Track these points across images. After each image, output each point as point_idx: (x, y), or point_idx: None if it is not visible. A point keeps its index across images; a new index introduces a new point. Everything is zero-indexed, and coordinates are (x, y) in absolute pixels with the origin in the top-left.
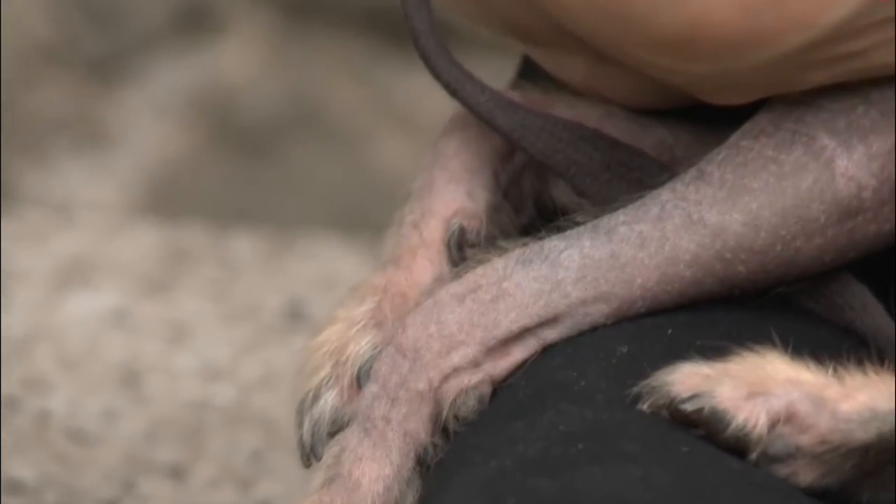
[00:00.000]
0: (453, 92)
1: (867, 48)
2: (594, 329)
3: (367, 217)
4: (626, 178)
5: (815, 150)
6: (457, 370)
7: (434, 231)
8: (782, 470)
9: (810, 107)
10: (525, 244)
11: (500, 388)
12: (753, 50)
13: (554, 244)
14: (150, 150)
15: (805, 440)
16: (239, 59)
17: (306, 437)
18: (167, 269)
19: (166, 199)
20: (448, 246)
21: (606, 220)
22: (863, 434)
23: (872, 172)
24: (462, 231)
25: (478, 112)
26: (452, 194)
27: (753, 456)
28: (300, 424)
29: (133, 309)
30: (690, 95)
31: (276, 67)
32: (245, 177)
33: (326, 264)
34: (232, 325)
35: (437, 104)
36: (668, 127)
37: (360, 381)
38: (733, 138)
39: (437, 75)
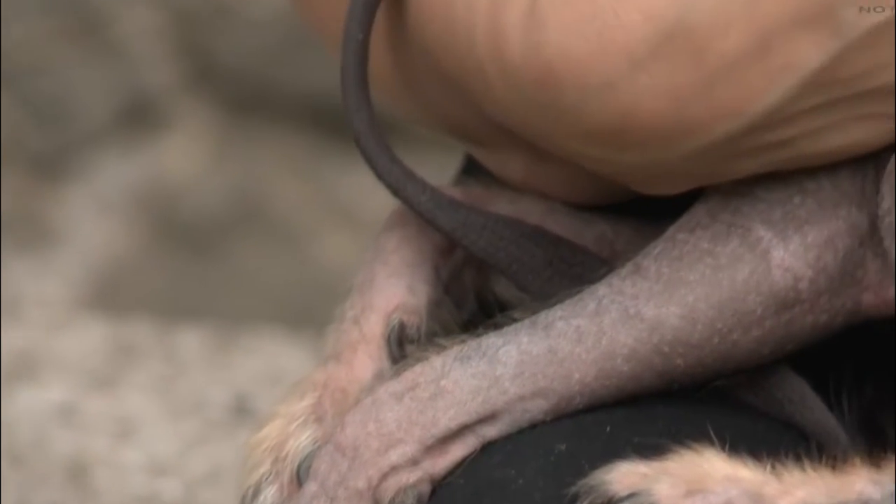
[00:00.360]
0: (395, 191)
1: (796, 136)
2: (533, 425)
3: (312, 312)
4: (568, 274)
5: (751, 242)
6: (395, 468)
7: (374, 326)
8: None
9: (746, 198)
10: (463, 341)
11: (439, 486)
12: (683, 139)
13: (492, 340)
14: (96, 246)
15: None
16: (183, 156)
17: None
18: (113, 365)
19: (112, 295)
20: (388, 341)
21: (544, 316)
22: None
23: (808, 263)
24: (402, 326)
25: (419, 211)
26: (393, 289)
27: None
28: None
29: (80, 404)
30: (627, 188)
31: (220, 164)
32: (190, 273)
33: (272, 359)
34: (178, 420)
35: (381, 200)
36: (608, 221)
37: (300, 476)
38: (669, 231)
39: (378, 175)
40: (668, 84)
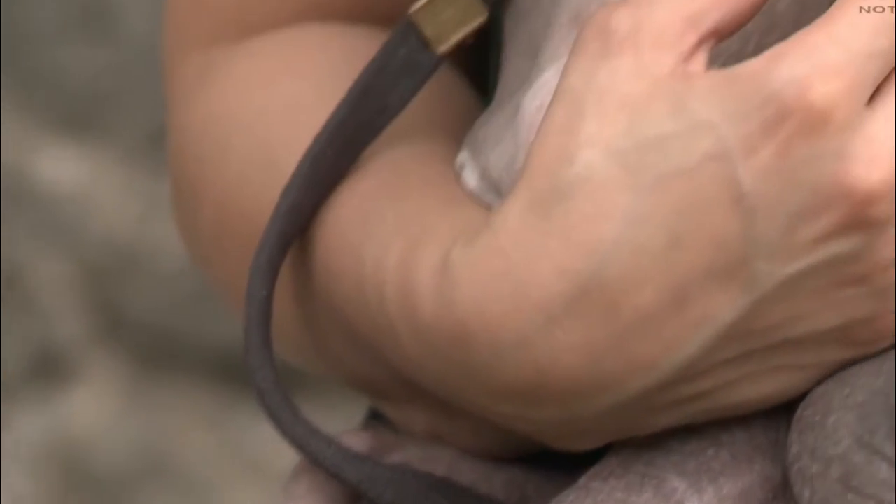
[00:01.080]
0: (299, 447)
1: (711, 389)
2: None
3: None
4: None
5: (666, 492)
6: None
7: None
8: None
9: (660, 449)
10: None
11: None
12: (598, 395)
13: None
14: (4, 500)
15: None
16: (92, 408)
17: None
18: None
19: None
20: None
21: None
22: None
23: None
24: None
25: (324, 466)
26: None
27: None
28: None
29: None
30: (536, 442)
31: (129, 416)
32: None
33: None
34: None
35: (291, 452)
36: (520, 465)
37: None
38: (582, 480)
39: (282, 432)
40: (584, 339)
